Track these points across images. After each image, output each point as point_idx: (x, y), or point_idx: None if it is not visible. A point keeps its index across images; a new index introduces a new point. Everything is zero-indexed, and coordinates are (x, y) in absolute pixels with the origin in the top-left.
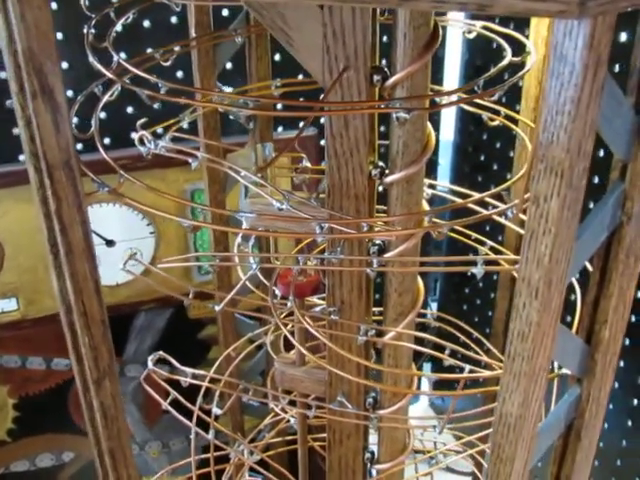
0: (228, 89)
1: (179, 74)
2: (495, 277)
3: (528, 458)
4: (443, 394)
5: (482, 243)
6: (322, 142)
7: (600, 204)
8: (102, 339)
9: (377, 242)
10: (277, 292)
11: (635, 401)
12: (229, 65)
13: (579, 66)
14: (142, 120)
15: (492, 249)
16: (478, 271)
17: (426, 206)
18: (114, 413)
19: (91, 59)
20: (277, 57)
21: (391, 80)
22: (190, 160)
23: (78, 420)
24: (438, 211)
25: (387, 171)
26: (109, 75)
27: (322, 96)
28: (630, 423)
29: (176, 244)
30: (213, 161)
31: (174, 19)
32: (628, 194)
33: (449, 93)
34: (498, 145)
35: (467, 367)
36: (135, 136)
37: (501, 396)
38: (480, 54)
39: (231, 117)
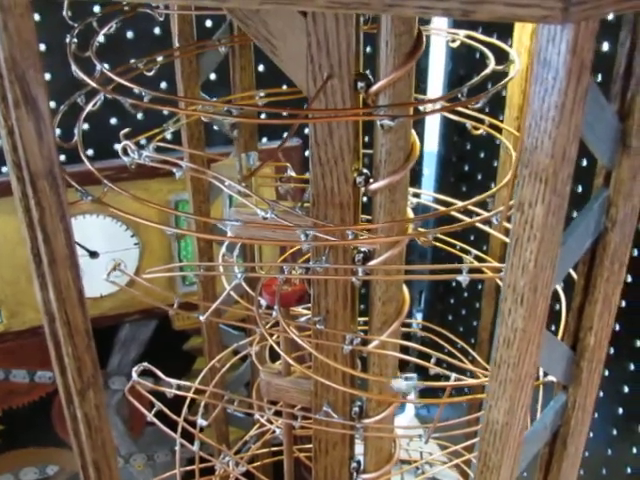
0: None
1: (162, 85)
2: (480, 286)
3: (514, 466)
4: (429, 401)
5: (467, 252)
6: (306, 153)
7: (584, 210)
8: (86, 349)
9: (362, 250)
10: (262, 302)
11: (620, 410)
12: (213, 76)
13: (563, 71)
14: (125, 130)
15: (477, 258)
16: (463, 279)
17: (411, 214)
18: (98, 424)
19: (74, 68)
20: (261, 68)
21: (375, 87)
22: (174, 170)
23: (62, 433)
24: (423, 218)
25: (371, 180)
26: (92, 84)
27: (306, 105)
28: (615, 432)
29: (160, 255)
30: (197, 171)
31: (157, 30)
32: (612, 200)
33: (433, 101)
34: (482, 155)
35: (453, 375)
36: (119, 146)
37: (487, 403)
38: (463, 65)
39: (215, 127)
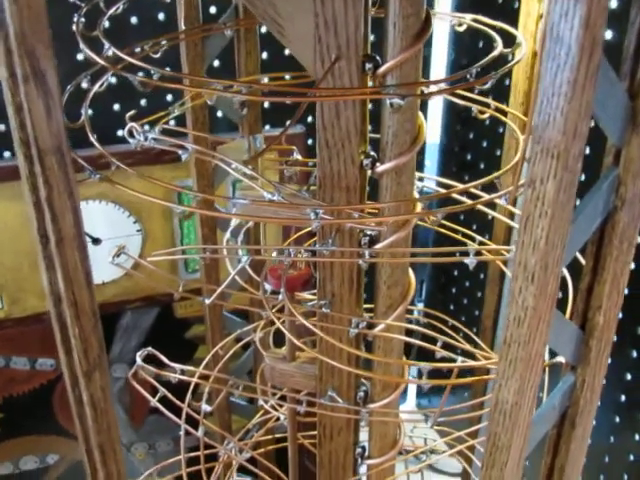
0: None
1: (167, 69)
2: (482, 275)
3: (524, 446)
4: (436, 382)
5: (472, 239)
6: (309, 141)
7: (594, 189)
8: (92, 330)
9: (368, 233)
10: (267, 287)
11: (623, 397)
12: (217, 63)
13: (575, 47)
14: (131, 112)
15: (480, 245)
16: (470, 261)
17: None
18: (104, 406)
19: (82, 46)
20: (265, 55)
21: (383, 68)
22: (180, 152)
23: (63, 421)
24: (429, 198)
25: (378, 163)
26: (101, 62)
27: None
28: (618, 419)
29: (163, 243)
30: (203, 153)
31: (161, 16)
32: (622, 179)
33: (441, 81)
34: (484, 144)
35: (459, 358)
36: (125, 129)
37: (497, 383)
38: (466, 53)
39: (219, 114)
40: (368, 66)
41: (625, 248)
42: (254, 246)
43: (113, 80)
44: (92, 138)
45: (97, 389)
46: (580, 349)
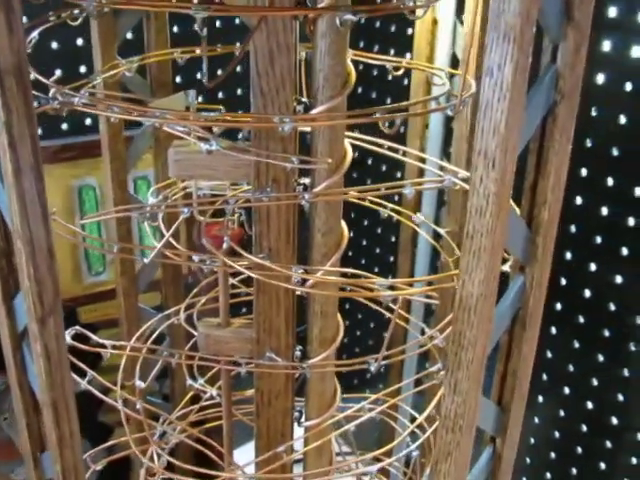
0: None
1: (79, 41)
2: (393, 239)
3: (487, 343)
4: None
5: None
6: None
7: (536, 84)
8: (48, 271)
9: (302, 182)
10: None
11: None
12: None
13: None
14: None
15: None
16: (409, 192)
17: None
18: (58, 358)
19: None
20: (175, 29)
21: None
22: (110, 114)
23: None
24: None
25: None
26: None
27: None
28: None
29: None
30: (136, 110)
31: None
32: (560, 73)
33: None
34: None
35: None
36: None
37: (460, 279)
38: None
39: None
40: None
41: (564, 142)
42: (187, 201)
43: None
44: None
45: (51, 338)
46: (528, 247)
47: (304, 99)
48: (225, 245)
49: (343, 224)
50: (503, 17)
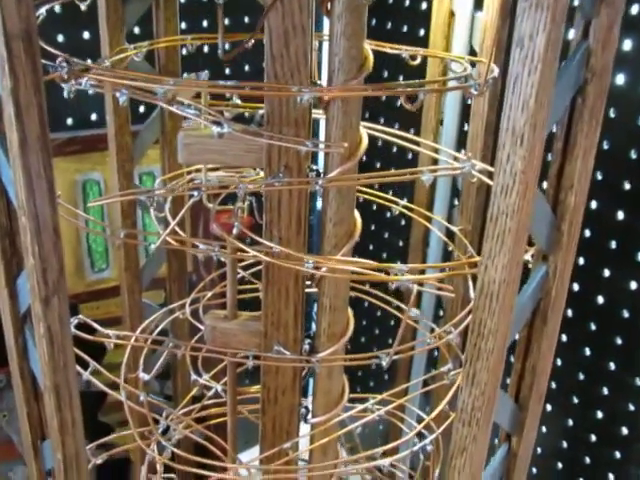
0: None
1: (85, 34)
2: (401, 243)
3: (508, 333)
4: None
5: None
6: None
7: (567, 62)
8: (53, 248)
9: (315, 168)
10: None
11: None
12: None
13: None
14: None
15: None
16: (427, 178)
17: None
18: (62, 341)
19: None
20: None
21: None
22: (118, 95)
23: None
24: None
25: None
26: None
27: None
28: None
29: (67, 237)
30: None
31: None
32: (592, 50)
33: None
34: None
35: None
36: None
37: (482, 266)
38: None
39: None
40: None
41: (594, 125)
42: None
43: None
44: None
45: (55, 319)
46: (552, 234)
47: (319, 82)
48: (235, 231)
49: (356, 213)
50: None
